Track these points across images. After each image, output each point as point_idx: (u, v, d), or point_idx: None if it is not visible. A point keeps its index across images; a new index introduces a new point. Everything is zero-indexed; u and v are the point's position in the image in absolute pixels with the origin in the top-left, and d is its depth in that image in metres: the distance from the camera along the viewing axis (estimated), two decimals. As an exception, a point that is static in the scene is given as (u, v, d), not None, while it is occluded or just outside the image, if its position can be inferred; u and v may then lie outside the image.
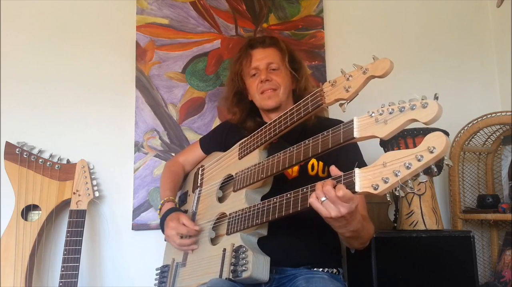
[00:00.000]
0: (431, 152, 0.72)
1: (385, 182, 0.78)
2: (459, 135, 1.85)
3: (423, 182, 0.77)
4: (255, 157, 1.21)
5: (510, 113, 1.69)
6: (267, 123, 1.21)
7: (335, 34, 2.02)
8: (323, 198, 0.88)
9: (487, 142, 1.91)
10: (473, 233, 1.46)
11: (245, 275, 1.04)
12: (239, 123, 1.47)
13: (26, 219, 1.58)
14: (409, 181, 0.77)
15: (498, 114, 1.73)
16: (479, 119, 1.79)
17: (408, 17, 2.11)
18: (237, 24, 1.93)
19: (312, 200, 0.91)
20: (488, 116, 1.76)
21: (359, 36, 2.04)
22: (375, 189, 0.80)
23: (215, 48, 1.89)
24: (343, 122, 0.93)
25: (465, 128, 1.83)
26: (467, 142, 1.85)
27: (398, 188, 0.78)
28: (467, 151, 1.90)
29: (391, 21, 2.09)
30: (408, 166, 0.75)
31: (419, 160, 0.74)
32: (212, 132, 1.62)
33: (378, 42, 2.05)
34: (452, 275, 1.41)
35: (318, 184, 0.91)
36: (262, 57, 1.39)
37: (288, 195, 1.01)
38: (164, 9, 1.87)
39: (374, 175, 0.81)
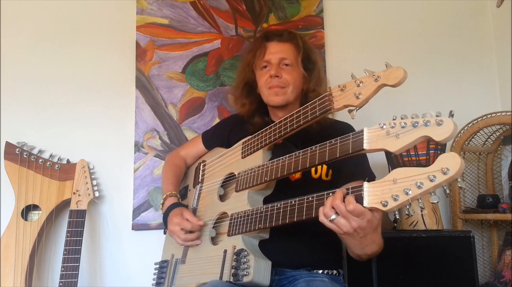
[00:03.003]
0: (445, 173, 0.70)
1: (395, 199, 0.76)
2: (459, 135, 1.84)
3: (434, 203, 0.76)
4: (258, 158, 1.19)
5: (510, 113, 1.69)
6: (274, 121, 1.19)
7: (335, 34, 2.01)
8: (333, 216, 0.85)
9: (487, 142, 1.91)
10: (473, 233, 1.47)
11: (246, 279, 1.03)
12: (247, 117, 1.43)
13: (26, 219, 1.58)
14: (419, 201, 0.75)
15: (498, 114, 1.74)
16: (479, 119, 1.79)
17: (408, 17, 2.11)
18: (237, 24, 1.92)
19: (322, 219, 0.88)
20: (488, 116, 1.76)
21: (359, 36, 2.04)
22: (384, 205, 0.78)
23: (215, 48, 1.89)
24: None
25: (465, 128, 1.83)
26: (467, 142, 1.85)
27: (408, 207, 0.76)
28: (467, 151, 1.90)
29: (391, 21, 2.09)
30: (419, 186, 0.73)
31: (431, 181, 0.72)
32: (214, 128, 1.59)
33: (378, 42, 2.05)
34: (452, 275, 1.41)
35: (327, 201, 0.87)
36: (276, 51, 1.33)
37: (293, 202, 0.98)
38: (164, 9, 1.87)
39: (383, 191, 0.78)
